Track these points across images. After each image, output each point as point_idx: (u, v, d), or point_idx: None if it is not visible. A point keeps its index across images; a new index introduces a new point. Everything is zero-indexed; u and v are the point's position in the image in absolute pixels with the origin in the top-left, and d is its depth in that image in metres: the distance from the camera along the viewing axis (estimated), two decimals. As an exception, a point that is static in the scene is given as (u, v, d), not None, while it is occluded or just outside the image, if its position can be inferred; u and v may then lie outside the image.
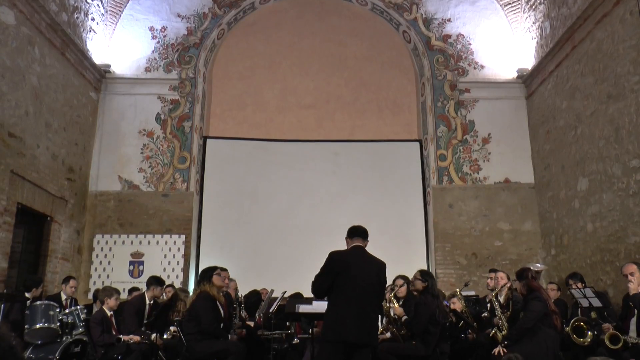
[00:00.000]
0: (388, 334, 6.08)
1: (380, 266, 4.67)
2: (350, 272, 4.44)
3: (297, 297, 7.95)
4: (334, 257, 4.57)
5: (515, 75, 10.14)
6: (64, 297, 7.37)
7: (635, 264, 5.66)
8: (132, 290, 8.12)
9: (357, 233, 4.81)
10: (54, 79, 8.43)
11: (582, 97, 8.11)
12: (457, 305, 6.71)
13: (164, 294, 7.30)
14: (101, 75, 9.91)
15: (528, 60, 9.87)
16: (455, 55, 10.36)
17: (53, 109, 8.40)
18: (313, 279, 4.57)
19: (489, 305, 6.48)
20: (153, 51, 10.27)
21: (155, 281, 6.84)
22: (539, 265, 8.61)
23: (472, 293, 7.98)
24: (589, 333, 5.62)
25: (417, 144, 10.44)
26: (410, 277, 6.30)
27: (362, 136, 10.50)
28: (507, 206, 9.73)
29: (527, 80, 9.97)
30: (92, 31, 9.54)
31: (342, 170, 10.28)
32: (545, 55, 9.16)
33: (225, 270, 6.55)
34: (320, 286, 4.51)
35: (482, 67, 10.32)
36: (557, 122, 8.91)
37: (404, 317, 5.69)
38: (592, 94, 7.80)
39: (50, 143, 8.34)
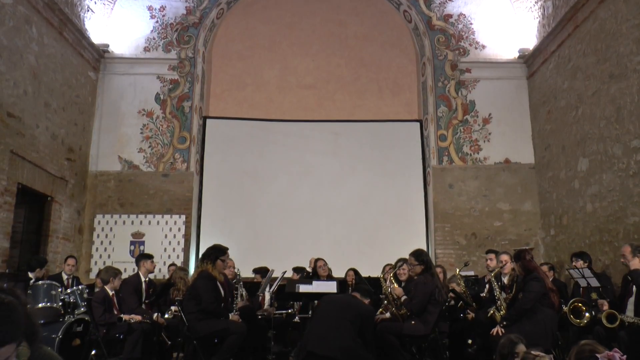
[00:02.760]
0: (387, 314, 6.12)
1: (360, 306, 4.90)
2: (330, 299, 4.87)
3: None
4: None
5: (516, 55, 10.07)
6: (65, 276, 7.43)
7: (631, 245, 5.71)
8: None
9: (357, 289, 5.29)
10: (52, 58, 8.38)
11: (583, 77, 8.06)
12: (459, 286, 6.75)
13: (166, 274, 7.35)
14: (100, 54, 9.84)
15: (530, 40, 9.79)
16: (456, 35, 10.28)
17: (52, 88, 8.37)
18: None
19: (487, 285, 6.52)
20: (152, 31, 10.18)
21: (145, 256, 6.88)
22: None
23: (472, 273, 8.03)
24: (587, 314, 5.66)
25: (418, 124, 10.42)
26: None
27: (362, 116, 10.46)
28: (507, 186, 9.74)
29: (529, 60, 9.90)
30: (90, 10, 9.45)
31: (342, 150, 10.26)
32: (547, 35, 9.08)
33: (231, 260, 6.70)
34: None
35: (484, 47, 10.24)
36: (558, 102, 8.87)
37: (403, 297, 5.72)
38: (594, 74, 7.76)
39: (50, 123, 8.32)
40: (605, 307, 5.51)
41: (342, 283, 7.44)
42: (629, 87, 6.92)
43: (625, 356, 2.47)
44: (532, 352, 2.82)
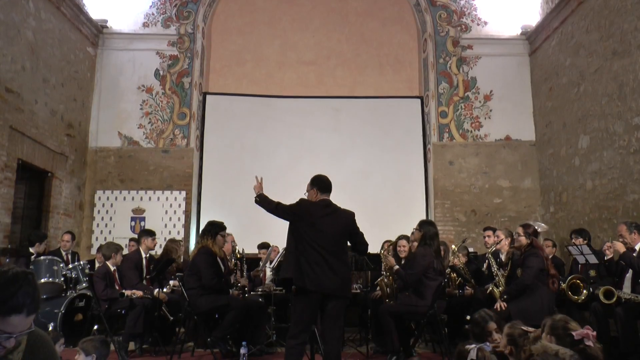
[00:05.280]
0: (377, 289, 6.15)
1: (349, 217, 4.58)
2: (319, 224, 4.39)
3: None
4: (302, 204, 4.52)
5: (519, 31, 9.97)
6: (64, 252, 7.50)
7: (625, 223, 5.73)
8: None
9: (328, 189, 4.67)
10: (49, 33, 8.30)
11: (586, 54, 8.00)
12: (458, 260, 6.77)
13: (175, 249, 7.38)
14: (98, 30, 9.75)
15: (532, 16, 9.68)
16: (458, 11, 10.17)
17: (50, 64, 8.31)
18: (274, 205, 4.52)
19: (486, 262, 6.55)
20: (151, 6, 10.07)
21: (146, 233, 6.90)
22: (543, 225, 8.21)
23: (471, 250, 8.07)
24: (585, 291, 5.71)
25: (418, 100, 10.37)
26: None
27: (362, 92, 10.41)
28: (508, 163, 9.74)
29: (531, 36, 9.81)
30: (88, -16, 9.34)
31: (342, 127, 10.23)
32: (550, 12, 8.99)
33: (230, 235, 6.70)
34: (276, 211, 4.50)
35: (486, 23, 10.14)
36: (560, 79, 8.82)
37: (395, 267, 5.71)
38: (597, 50, 7.70)
39: (49, 98, 8.28)
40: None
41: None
42: (632, 64, 6.87)
43: (595, 332, 2.58)
44: (522, 327, 2.86)
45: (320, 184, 4.65)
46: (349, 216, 4.59)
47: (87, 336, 5.94)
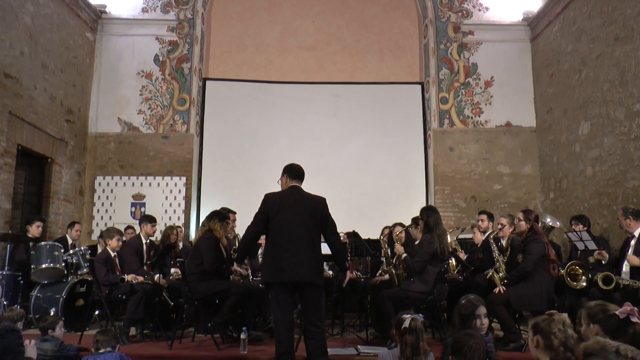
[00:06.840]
0: (386, 276, 6.18)
1: (318, 203, 4.55)
2: (284, 213, 4.42)
3: None
4: (267, 200, 4.57)
5: (520, 17, 9.91)
6: (70, 241, 7.53)
7: (622, 209, 5.77)
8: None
9: (298, 175, 4.74)
10: (48, 18, 8.25)
11: (588, 40, 7.96)
12: (477, 236, 6.78)
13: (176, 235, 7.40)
14: (97, 15, 9.68)
15: (534, 2, 9.62)
16: (459, -5, 10.11)
17: (49, 49, 8.27)
18: (246, 233, 4.61)
19: (481, 246, 6.55)
20: (150, -10, 10.01)
21: (146, 219, 6.89)
22: (557, 223, 7.38)
23: (470, 236, 8.07)
24: (584, 277, 5.73)
25: (419, 86, 10.33)
26: (409, 221, 6.40)
27: (363, 78, 10.37)
28: (508, 149, 9.73)
29: (533, 22, 9.75)
30: (86, -32, 9.26)
31: (342, 113, 10.21)
32: (552, -4, 8.93)
33: (235, 213, 6.78)
34: (249, 232, 4.55)
35: (487, 9, 10.07)
36: (562, 66, 8.78)
37: (404, 255, 5.72)
38: (599, 36, 7.65)
39: (48, 84, 8.25)
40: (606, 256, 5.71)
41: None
42: (634, 50, 6.83)
43: (637, 308, 2.44)
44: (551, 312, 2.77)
45: (291, 170, 4.75)
46: (319, 202, 4.56)
47: (88, 321, 5.98)
